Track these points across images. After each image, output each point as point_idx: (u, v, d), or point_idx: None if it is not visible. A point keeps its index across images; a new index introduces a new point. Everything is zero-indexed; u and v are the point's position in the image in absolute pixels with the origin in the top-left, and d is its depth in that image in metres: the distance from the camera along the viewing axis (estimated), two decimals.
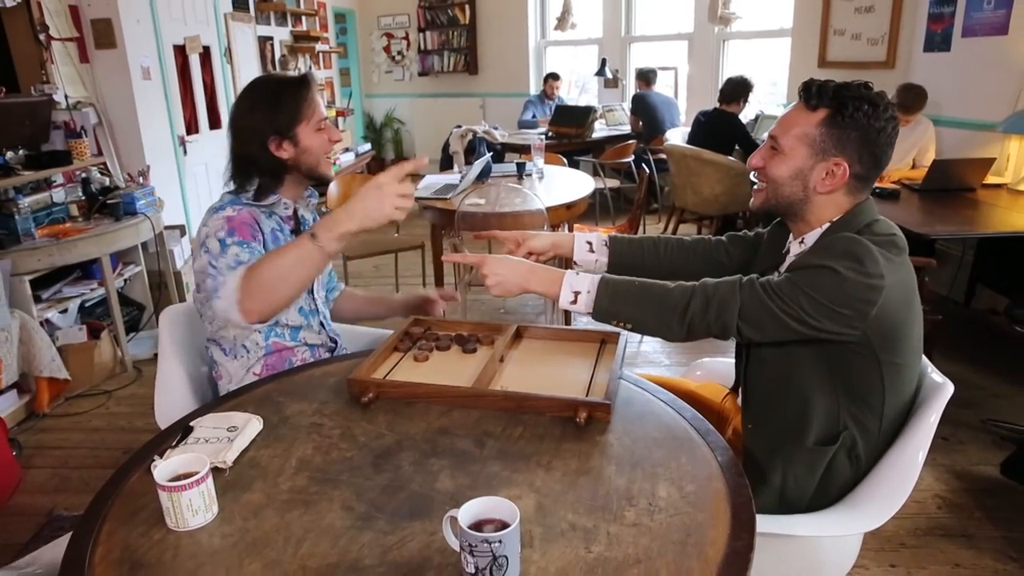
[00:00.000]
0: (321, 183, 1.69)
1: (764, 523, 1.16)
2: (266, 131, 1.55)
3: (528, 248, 1.54)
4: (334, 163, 5.81)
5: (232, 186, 1.62)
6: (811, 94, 1.24)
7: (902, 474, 1.22)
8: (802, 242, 1.31)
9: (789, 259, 1.35)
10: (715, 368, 1.90)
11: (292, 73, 1.64)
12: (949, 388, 1.26)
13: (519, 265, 1.35)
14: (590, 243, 1.57)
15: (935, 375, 1.32)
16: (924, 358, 1.37)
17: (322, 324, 1.77)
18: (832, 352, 1.23)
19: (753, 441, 1.36)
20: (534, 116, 6.58)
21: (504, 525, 0.89)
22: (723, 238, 1.59)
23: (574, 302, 1.29)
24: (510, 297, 1.36)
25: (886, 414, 1.26)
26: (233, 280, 1.40)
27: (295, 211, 1.70)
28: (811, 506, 1.29)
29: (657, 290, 1.25)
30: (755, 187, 1.34)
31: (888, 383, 1.24)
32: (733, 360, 1.56)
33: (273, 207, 1.63)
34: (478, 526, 0.89)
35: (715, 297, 1.22)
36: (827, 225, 1.28)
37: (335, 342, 1.80)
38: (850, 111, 1.20)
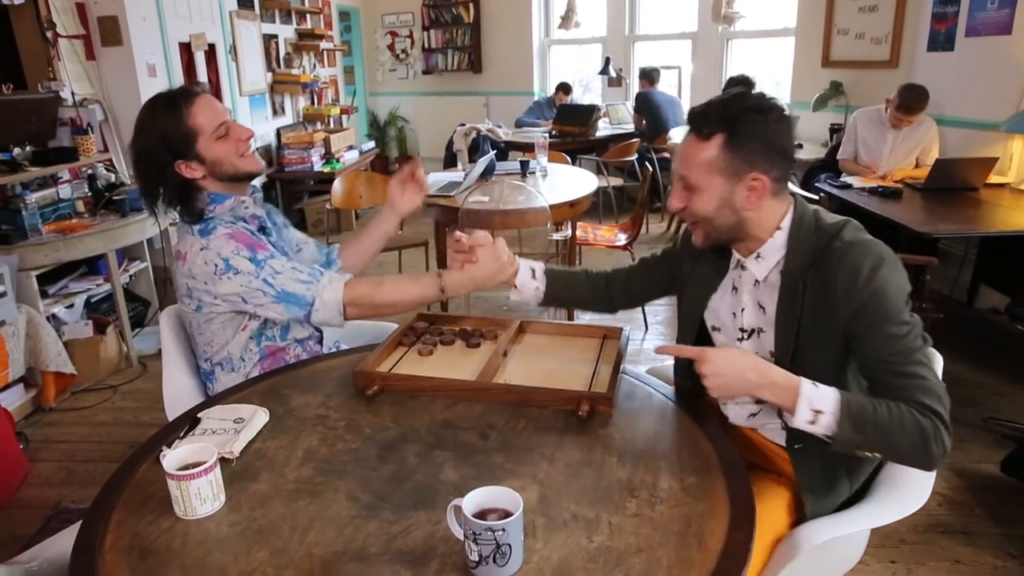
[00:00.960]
0: (251, 178, 1.65)
1: (816, 533, 1.19)
2: (164, 157, 1.52)
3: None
4: (337, 160, 5.82)
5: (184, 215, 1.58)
6: (699, 124, 1.23)
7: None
8: (758, 256, 1.28)
9: (746, 275, 1.32)
10: None
11: (180, 87, 1.58)
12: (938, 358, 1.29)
13: (744, 365, 1.15)
14: (533, 270, 1.59)
15: None
16: None
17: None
18: (846, 347, 1.21)
19: (803, 459, 1.29)
20: (537, 119, 6.59)
21: (507, 514, 0.90)
22: (636, 266, 1.63)
23: (813, 422, 1.12)
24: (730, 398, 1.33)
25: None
26: (332, 297, 1.53)
27: (255, 211, 1.69)
28: (857, 489, 1.32)
29: (896, 421, 1.10)
30: (690, 224, 1.32)
31: None
32: None
33: (235, 211, 1.61)
34: (482, 515, 0.91)
35: (939, 412, 1.11)
36: (781, 234, 1.26)
37: (320, 331, 1.80)
38: (743, 126, 1.19)
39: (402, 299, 1.57)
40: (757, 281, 1.30)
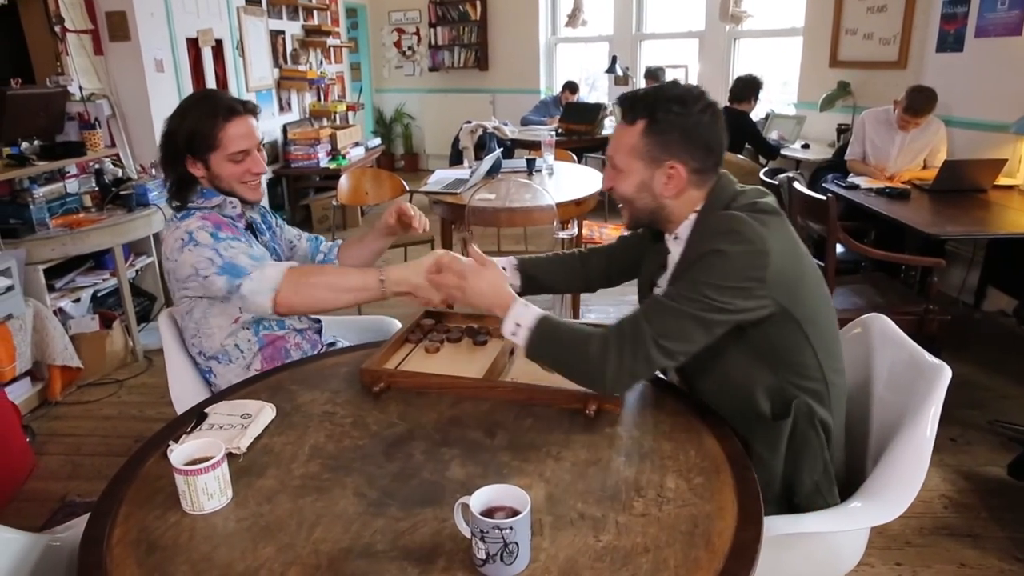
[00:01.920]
0: (243, 203, 1.68)
1: (780, 524, 1.17)
2: (181, 147, 1.59)
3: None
4: (343, 156, 5.82)
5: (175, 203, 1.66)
6: (626, 109, 1.29)
7: (912, 465, 1.22)
8: (676, 237, 1.35)
9: (670, 257, 1.38)
10: None
11: (232, 97, 1.63)
12: (947, 371, 1.26)
13: (489, 292, 1.34)
14: (504, 269, 1.54)
15: (931, 359, 1.33)
16: (914, 343, 1.39)
17: None
18: (752, 332, 1.24)
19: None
20: (543, 117, 6.59)
21: (515, 512, 0.90)
22: (616, 244, 1.65)
23: (514, 334, 1.28)
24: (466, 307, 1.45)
25: (826, 371, 1.29)
26: (273, 271, 1.51)
27: (243, 212, 1.71)
28: (786, 486, 1.28)
29: (580, 341, 1.22)
30: (620, 206, 1.39)
31: (814, 339, 1.26)
32: None
33: (221, 207, 1.64)
34: (489, 513, 0.91)
35: (626, 338, 1.20)
36: (694, 215, 1.31)
37: (318, 322, 1.84)
38: (663, 115, 1.25)
39: (341, 282, 1.54)
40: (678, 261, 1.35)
